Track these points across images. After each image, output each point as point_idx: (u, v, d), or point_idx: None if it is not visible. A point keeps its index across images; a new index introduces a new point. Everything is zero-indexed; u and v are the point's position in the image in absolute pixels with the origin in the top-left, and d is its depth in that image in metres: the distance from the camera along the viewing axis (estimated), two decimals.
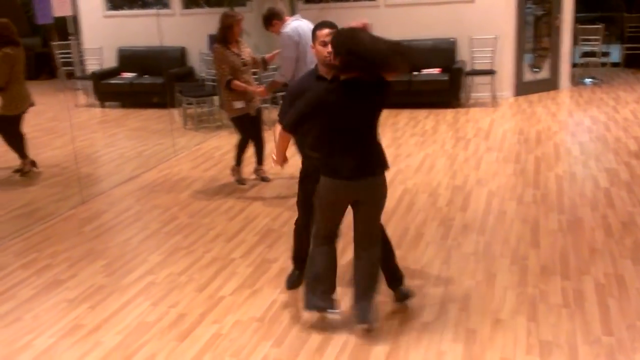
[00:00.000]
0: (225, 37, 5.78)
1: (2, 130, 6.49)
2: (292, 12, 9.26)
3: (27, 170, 6.63)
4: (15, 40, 6.32)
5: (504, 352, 3.21)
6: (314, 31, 3.57)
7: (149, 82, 9.99)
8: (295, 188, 5.92)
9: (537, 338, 3.32)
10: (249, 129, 6.05)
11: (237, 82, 5.74)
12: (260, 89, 5.86)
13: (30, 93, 6.58)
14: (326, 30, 3.50)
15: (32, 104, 6.61)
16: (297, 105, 3.29)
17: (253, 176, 6.29)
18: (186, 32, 9.95)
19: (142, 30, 10.20)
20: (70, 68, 10.50)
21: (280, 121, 3.50)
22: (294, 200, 5.58)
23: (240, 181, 6.15)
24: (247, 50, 5.95)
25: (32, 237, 5.07)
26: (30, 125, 6.65)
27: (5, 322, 3.75)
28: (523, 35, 9.57)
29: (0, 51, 6.22)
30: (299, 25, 5.59)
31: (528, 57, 9.81)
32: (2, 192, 6.33)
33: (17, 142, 6.55)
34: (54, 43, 10.28)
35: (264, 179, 6.21)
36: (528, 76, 9.79)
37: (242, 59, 5.82)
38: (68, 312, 3.83)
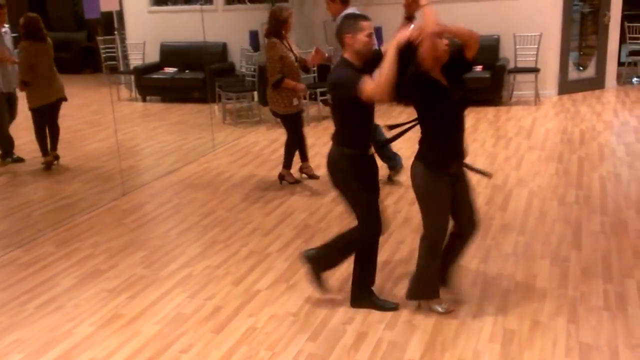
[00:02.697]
0: (279, 31, 5.68)
1: (33, 121, 6.71)
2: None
3: (46, 162, 6.77)
4: (38, 36, 6.47)
5: (543, 353, 3.15)
6: (357, 21, 3.41)
7: (190, 77, 10.11)
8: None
9: (576, 340, 3.25)
10: (299, 127, 5.97)
11: (287, 81, 5.66)
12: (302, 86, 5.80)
13: (61, 88, 6.71)
14: (370, 23, 3.44)
15: (61, 99, 6.73)
16: None
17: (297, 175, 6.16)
18: (227, 27, 10.04)
19: (184, 25, 10.33)
20: (113, 62, 10.71)
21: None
22: (331, 195, 5.61)
23: (296, 181, 6.03)
24: (294, 46, 5.92)
25: (74, 228, 5.19)
26: (76, 117, 6.82)
27: (47, 310, 3.85)
28: (569, 32, 9.36)
29: (19, 44, 6.44)
30: None
31: (573, 55, 9.60)
32: (46, 184, 6.48)
33: (38, 136, 6.72)
34: (99, 38, 10.50)
35: (312, 177, 6.10)
36: (573, 75, 9.58)
37: (295, 54, 5.79)
38: (108, 301, 3.91)
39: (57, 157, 6.84)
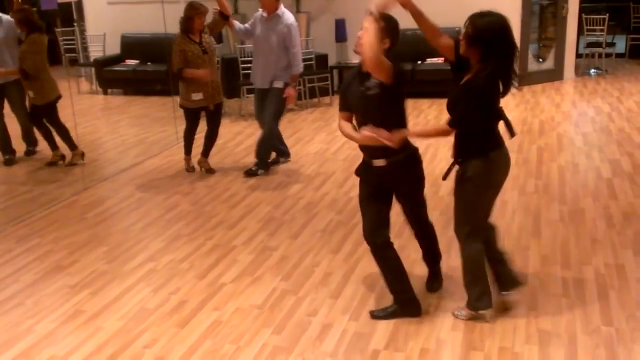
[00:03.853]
0: (186, 27, 5.80)
1: (36, 121, 6.46)
2: (297, 3, 9.22)
3: (57, 161, 6.56)
4: (40, 26, 6.21)
5: (503, 340, 3.22)
6: None
7: (152, 69, 9.98)
8: (295, 176, 5.97)
9: (536, 327, 3.32)
10: (195, 123, 6.16)
11: (187, 70, 5.78)
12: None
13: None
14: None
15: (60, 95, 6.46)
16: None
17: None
18: None
19: (145, 17, 10.17)
20: (73, 55, 10.49)
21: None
22: (296, 188, 5.61)
23: (189, 169, 6.25)
24: (208, 40, 5.94)
25: (35, 223, 5.09)
26: None
27: (7, 306, 3.77)
28: (528, 25, 9.51)
29: (29, 37, 6.12)
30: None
31: (532, 47, 9.76)
32: (6, 178, 6.34)
33: (61, 132, 6.47)
34: (58, 29, 10.27)
35: (209, 171, 6.17)
36: (532, 66, 9.74)
37: (203, 47, 5.84)
38: (69, 297, 3.85)
39: (83, 155, 6.69)
